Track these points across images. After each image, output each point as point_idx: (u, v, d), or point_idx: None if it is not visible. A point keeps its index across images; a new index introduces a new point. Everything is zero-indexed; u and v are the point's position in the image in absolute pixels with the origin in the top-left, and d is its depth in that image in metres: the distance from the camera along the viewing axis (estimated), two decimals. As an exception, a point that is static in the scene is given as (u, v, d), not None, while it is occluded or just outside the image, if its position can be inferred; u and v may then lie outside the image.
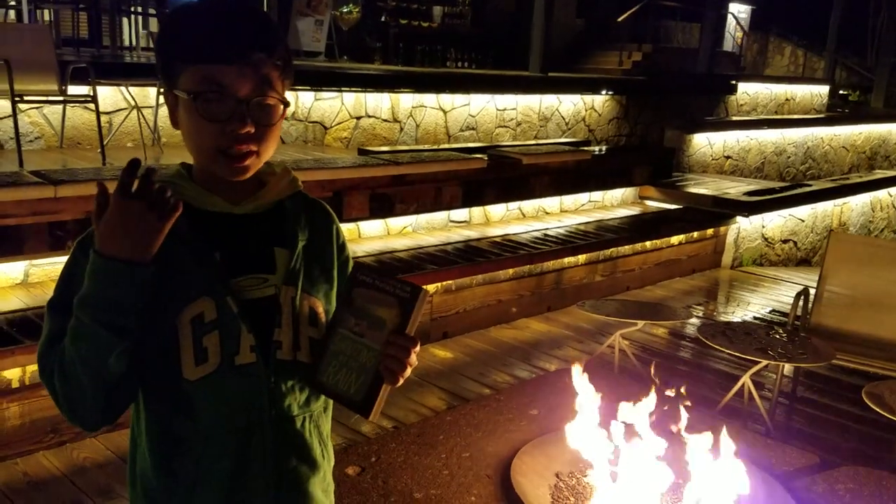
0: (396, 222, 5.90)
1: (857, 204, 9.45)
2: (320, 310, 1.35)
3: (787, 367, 4.25)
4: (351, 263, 1.46)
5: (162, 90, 1.30)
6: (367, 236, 5.71)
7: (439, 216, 6.19)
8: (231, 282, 1.27)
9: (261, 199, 1.33)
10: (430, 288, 4.91)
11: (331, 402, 1.39)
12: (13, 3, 8.20)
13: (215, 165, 1.26)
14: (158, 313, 1.22)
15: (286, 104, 1.27)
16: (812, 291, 4.57)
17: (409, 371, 1.25)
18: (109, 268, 1.14)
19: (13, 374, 3.28)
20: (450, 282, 5.03)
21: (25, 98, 4.99)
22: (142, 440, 1.33)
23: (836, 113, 14.13)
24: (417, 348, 1.26)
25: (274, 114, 1.25)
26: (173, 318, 1.23)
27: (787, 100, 13.02)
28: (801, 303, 4.40)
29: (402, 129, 7.54)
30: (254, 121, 1.22)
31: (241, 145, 1.23)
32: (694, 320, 5.67)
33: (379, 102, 7.33)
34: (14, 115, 4.86)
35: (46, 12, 8.32)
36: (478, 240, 5.84)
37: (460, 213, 6.37)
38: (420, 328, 5.27)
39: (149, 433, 1.30)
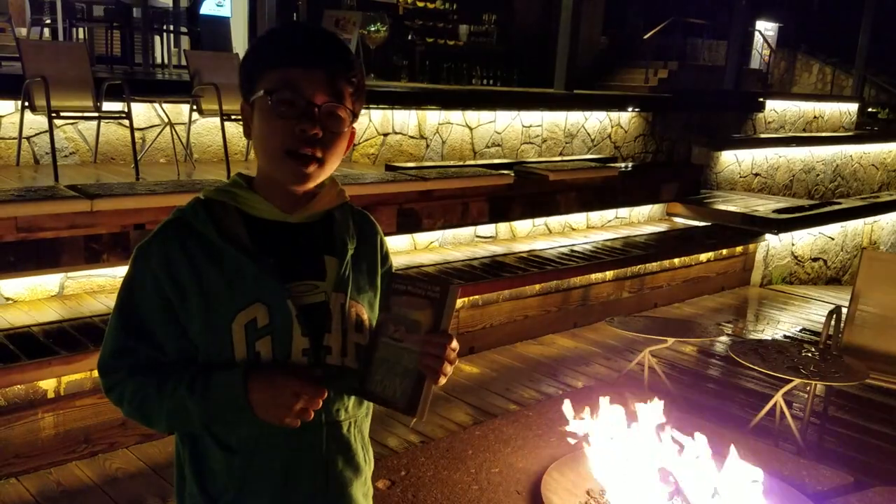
0: (423, 237, 5.92)
1: (887, 222, 9.33)
2: (365, 317, 1.38)
3: (819, 387, 4.19)
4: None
5: (241, 103, 1.36)
6: (394, 251, 5.73)
7: (466, 231, 6.20)
8: (287, 286, 1.30)
9: (312, 209, 1.37)
10: (457, 303, 4.91)
11: (371, 407, 1.41)
12: (49, 21, 8.39)
13: (280, 170, 1.29)
14: (214, 318, 1.26)
15: (355, 117, 1.31)
16: (844, 310, 4.52)
17: (449, 368, 1.28)
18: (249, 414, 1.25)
19: (49, 385, 3.32)
20: (476, 297, 5.03)
21: (62, 114, 5.10)
22: (185, 450, 1.35)
23: (865, 131, 13.99)
24: (454, 344, 1.27)
25: (342, 124, 1.30)
26: (228, 323, 1.26)
27: (815, 117, 12.91)
28: (833, 321, 4.35)
29: (428, 145, 7.58)
30: (322, 126, 1.27)
31: (307, 147, 1.27)
32: (723, 338, 5.62)
33: (406, 119, 7.38)
34: (50, 130, 4.97)
35: (81, 31, 8.50)
36: (504, 255, 5.84)
37: (486, 229, 6.38)
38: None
39: (203, 436, 1.32)
